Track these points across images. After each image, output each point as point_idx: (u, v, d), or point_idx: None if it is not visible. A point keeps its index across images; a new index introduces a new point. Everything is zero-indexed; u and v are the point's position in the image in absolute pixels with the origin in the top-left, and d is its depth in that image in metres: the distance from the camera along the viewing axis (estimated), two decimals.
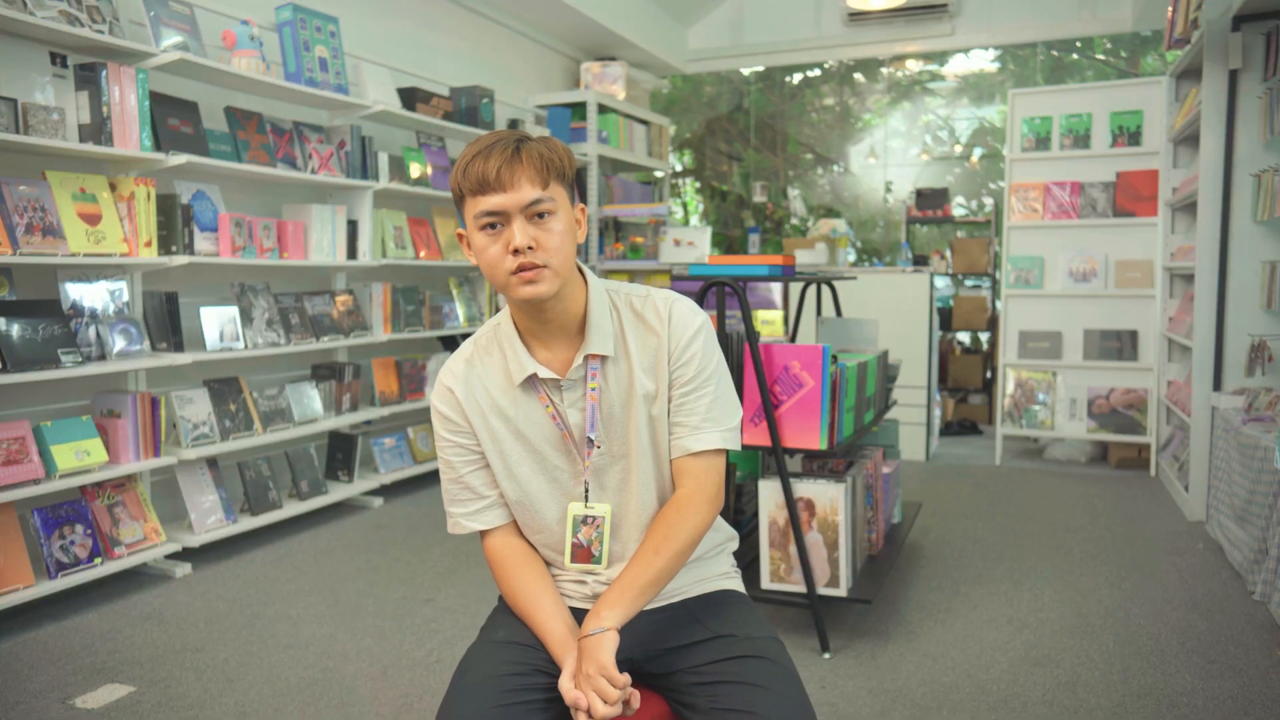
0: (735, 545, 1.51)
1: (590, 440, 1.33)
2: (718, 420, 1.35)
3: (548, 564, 1.41)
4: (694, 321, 1.34)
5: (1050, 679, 2.37)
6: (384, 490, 4.30)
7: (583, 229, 1.32)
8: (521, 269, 1.23)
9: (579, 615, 1.34)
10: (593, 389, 1.32)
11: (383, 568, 3.28)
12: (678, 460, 1.35)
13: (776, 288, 5.85)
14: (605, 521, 1.35)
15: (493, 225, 1.24)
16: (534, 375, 1.32)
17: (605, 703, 1.16)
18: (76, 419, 2.91)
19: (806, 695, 1.24)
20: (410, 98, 4.46)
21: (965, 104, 7.65)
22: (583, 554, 1.36)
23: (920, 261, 6.38)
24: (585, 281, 1.35)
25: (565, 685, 1.21)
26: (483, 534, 1.40)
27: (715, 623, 1.34)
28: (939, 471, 4.90)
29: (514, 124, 5.25)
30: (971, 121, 7.70)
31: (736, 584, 1.47)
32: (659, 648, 1.34)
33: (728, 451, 1.43)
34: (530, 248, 1.22)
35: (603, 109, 5.98)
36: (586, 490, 1.35)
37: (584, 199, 5.60)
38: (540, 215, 1.24)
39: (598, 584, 1.38)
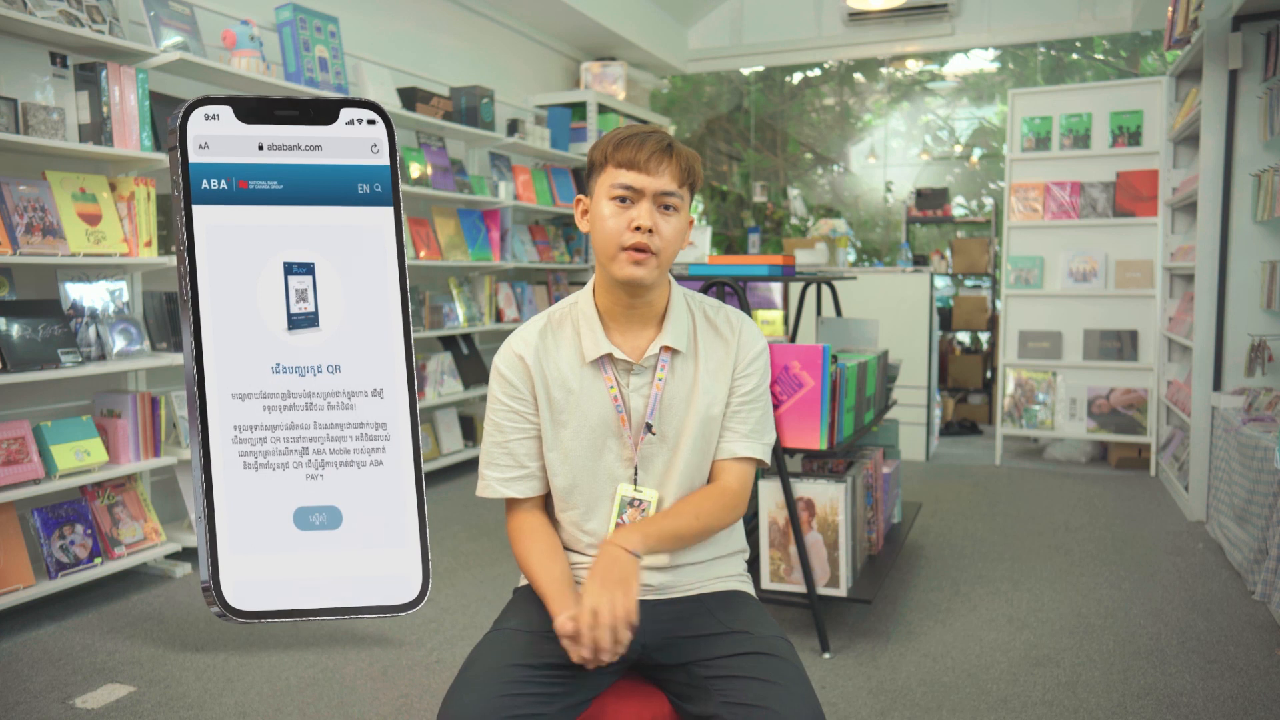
0: (747, 555, 1.56)
1: (648, 426, 1.40)
2: (760, 435, 1.46)
3: (569, 548, 1.44)
4: (759, 342, 1.48)
5: (1050, 679, 2.37)
6: None
7: (687, 237, 1.42)
8: (636, 248, 1.32)
9: None
10: (660, 378, 1.40)
11: None
12: (723, 461, 1.45)
13: (776, 288, 5.85)
14: (652, 507, 1.40)
15: (624, 199, 1.34)
16: (607, 355, 1.39)
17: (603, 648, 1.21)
18: (76, 419, 2.91)
19: (816, 695, 1.26)
20: (410, 98, 4.46)
21: (965, 104, 7.65)
22: None
23: (920, 261, 6.38)
24: (670, 282, 1.46)
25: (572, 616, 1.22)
26: (509, 504, 1.44)
27: (728, 619, 1.37)
28: (939, 471, 4.90)
29: (514, 124, 5.25)
30: (971, 121, 7.71)
31: (748, 587, 1.51)
32: (673, 636, 1.37)
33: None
34: (650, 230, 1.32)
35: (603, 109, 5.98)
36: (636, 474, 1.41)
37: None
38: (667, 207, 1.36)
39: None
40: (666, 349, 1.41)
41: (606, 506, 1.41)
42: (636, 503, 1.40)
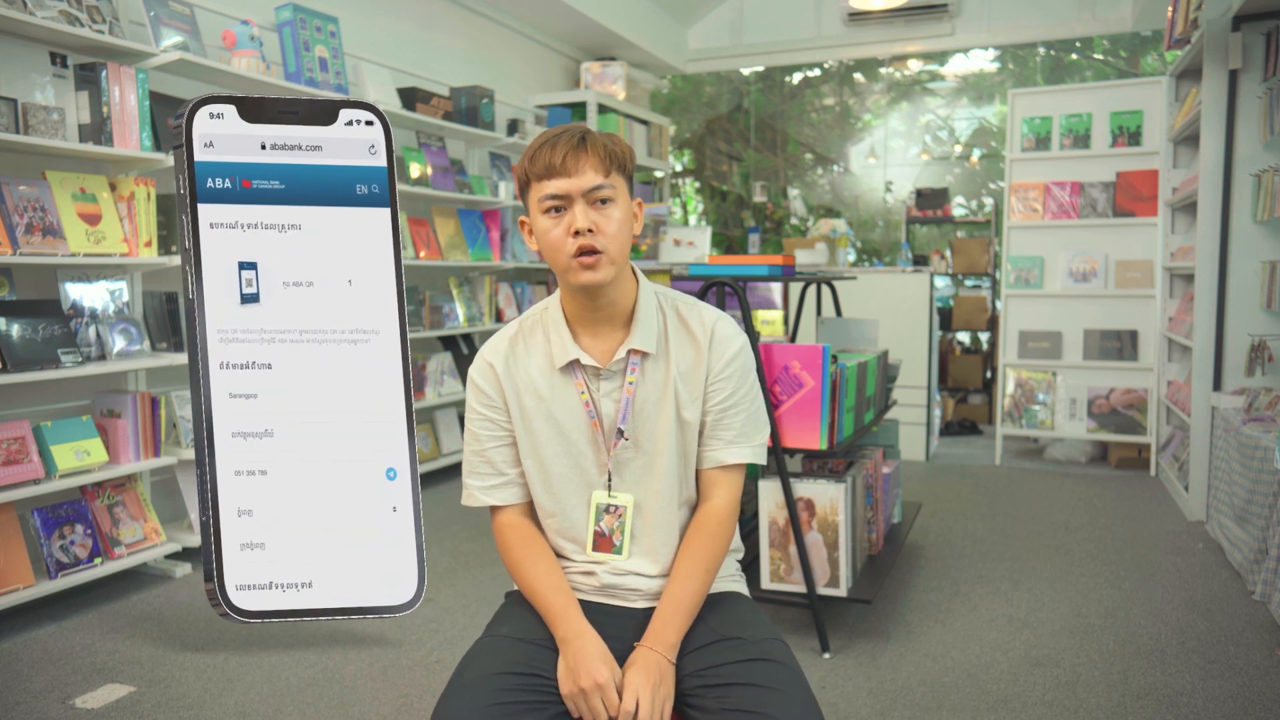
0: (741, 554, 1.55)
1: (620, 431, 1.37)
2: (749, 436, 1.42)
3: (556, 554, 1.43)
4: (734, 344, 1.40)
5: (1050, 679, 2.37)
6: None
7: (638, 223, 1.38)
8: (582, 252, 1.29)
9: (586, 608, 1.35)
10: (630, 382, 1.37)
11: None
12: (710, 471, 1.41)
13: (776, 288, 5.85)
14: (628, 512, 1.39)
15: (556, 209, 1.30)
16: (575, 361, 1.37)
17: None
18: (76, 419, 2.91)
19: (814, 698, 1.25)
20: (410, 98, 4.46)
21: (965, 104, 7.65)
22: (604, 543, 1.39)
23: (920, 261, 6.38)
24: (637, 279, 1.41)
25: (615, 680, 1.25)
26: (494, 510, 1.43)
27: (721, 624, 1.35)
28: (939, 471, 4.90)
29: (514, 124, 5.26)
30: (971, 121, 7.71)
31: (741, 586, 1.50)
32: None
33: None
34: (590, 230, 1.28)
35: (603, 109, 5.98)
36: (609, 480, 1.39)
37: None
38: (601, 201, 1.30)
39: (607, 574, 1.39)
40: (635, 352, 1.37)
41: (584, 513, 1.40)
42: (612, 509, 1.39)
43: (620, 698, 1.23)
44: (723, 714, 1.22)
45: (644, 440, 1.38)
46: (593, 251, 1.29)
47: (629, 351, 1.37)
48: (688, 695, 1.30)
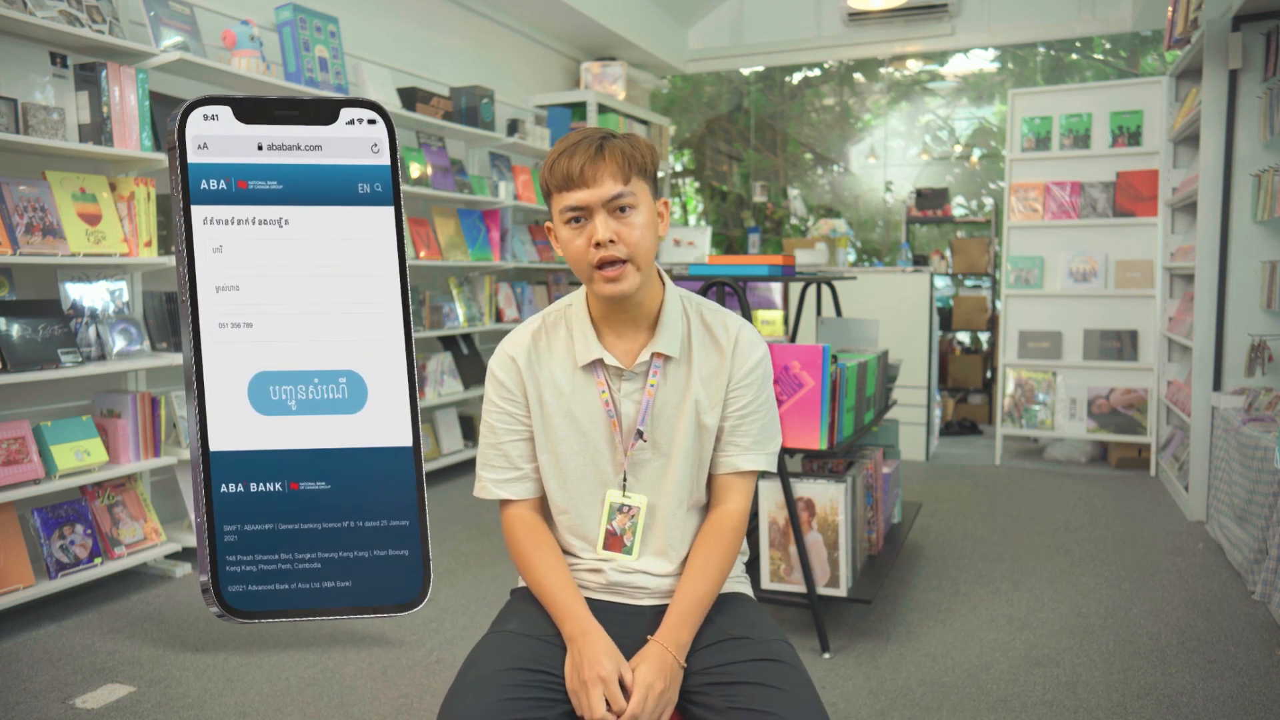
0: (746, 556, 1.55)
1: (639, 433, 1.38)
2: (764, 444, 1.43)
3: (564, 550, 1.43)
4: (757, 352, 1.42)
5: (1050, 679, 2.37)
6: None
7: (664, 223, 1.37)
8: (604, 263, 1.29)
9: (593, 605, 1.35)
10: (652, 385, 1.38)
11: None
12: (725, 476, 1.42)
13: (776, 288, 5.85)
14: (641, 513, 1.39)
15: (577, 219, 1.30)
16: (598, 360, 1.37)
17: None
18: (76, 419, 2.91)
19: (821, 701, 1.25)
20: (410, 98, 4.46)
21: (965, 104, 7.65)
22: (615, 542, 1.40)
23: (920, 261, 6.38)
24: (663, 282, 1.41)
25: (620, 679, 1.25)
26: (504, 503, 1.43)
27: (728, 624, 1.36)
28: (939, 471, 4.90)
29: (514, 124, 5.26)
30: (971, 121, 7.70)
31: (746, 588, 1.50)
32: None
33: None
34: (612, 241, 1.28)
35: (603, 109, 5.98)
36: (625, 480, 1.39)
37: None
38: (622, 209, 1.29)
39: (615, 572, 1.39)
40: (658, 355, 1.38)
41: (598, 511, 1.40)
42: (625, 509, 1.39)
43: (628, 694, 1.24)
44: (730, 712, 1.22)
45: (662, 442, 1.39)
46: (615, 262, 1.29)
47: (652, 354, 1.37)
48: (693, 692, 1.30)
